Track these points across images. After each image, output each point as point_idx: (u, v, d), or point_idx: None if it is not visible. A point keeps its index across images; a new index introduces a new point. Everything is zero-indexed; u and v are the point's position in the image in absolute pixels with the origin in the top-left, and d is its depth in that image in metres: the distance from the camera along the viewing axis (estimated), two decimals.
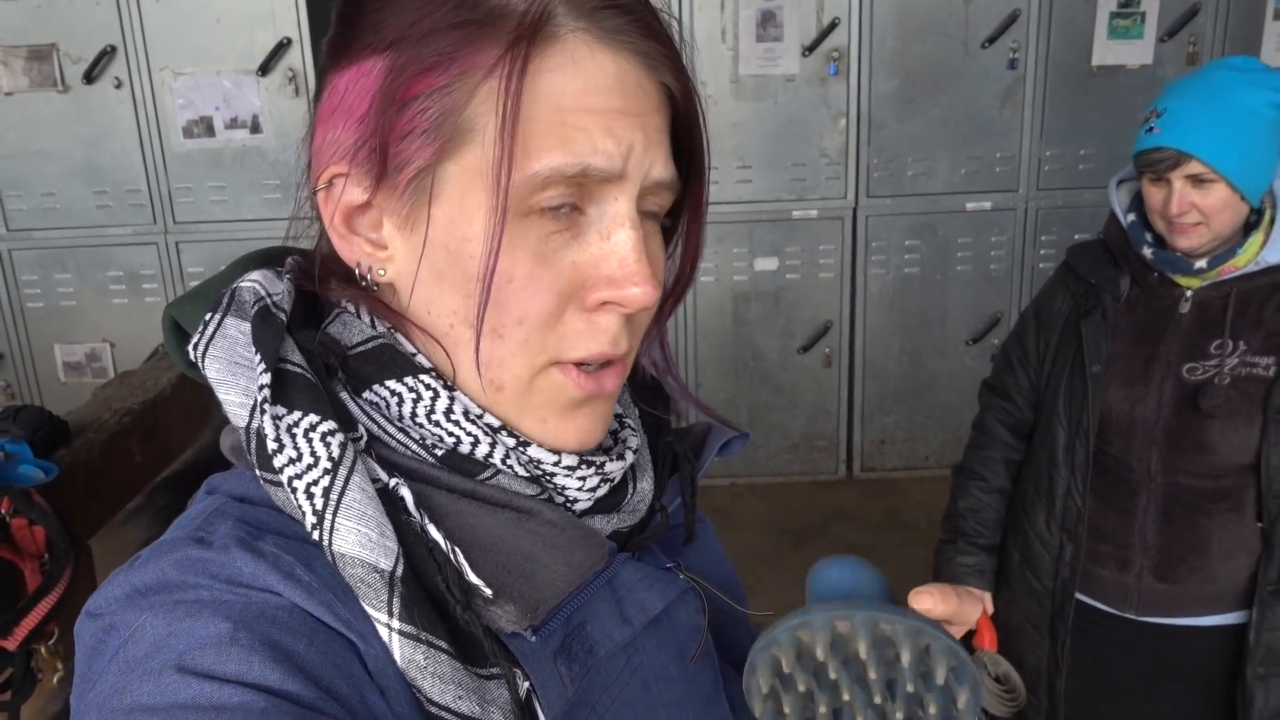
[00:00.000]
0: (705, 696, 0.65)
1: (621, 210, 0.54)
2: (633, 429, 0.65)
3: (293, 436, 0.51)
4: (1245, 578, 1.61)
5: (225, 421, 0.59)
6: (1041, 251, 3.96)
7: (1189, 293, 1.59)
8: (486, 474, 0.56)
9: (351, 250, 0.56)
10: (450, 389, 0.56)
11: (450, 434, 0.55)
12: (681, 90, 0.56)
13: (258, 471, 0.52)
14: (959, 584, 1.82)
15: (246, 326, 0.54)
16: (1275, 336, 1.55)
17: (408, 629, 0.49)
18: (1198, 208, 1.49)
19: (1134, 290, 1.65)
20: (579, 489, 0.58)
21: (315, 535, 0.50)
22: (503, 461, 0.56)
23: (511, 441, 0.56)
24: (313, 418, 0.52)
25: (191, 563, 0.50)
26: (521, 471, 0.56)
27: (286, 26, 3.56)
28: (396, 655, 0.49)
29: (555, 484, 0.57)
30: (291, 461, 0.51)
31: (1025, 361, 1.80)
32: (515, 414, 0.57)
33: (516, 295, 0.53)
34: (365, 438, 0.55)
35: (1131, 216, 1.62)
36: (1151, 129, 1.51)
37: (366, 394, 0.56)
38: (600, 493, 0.59)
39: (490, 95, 0.51)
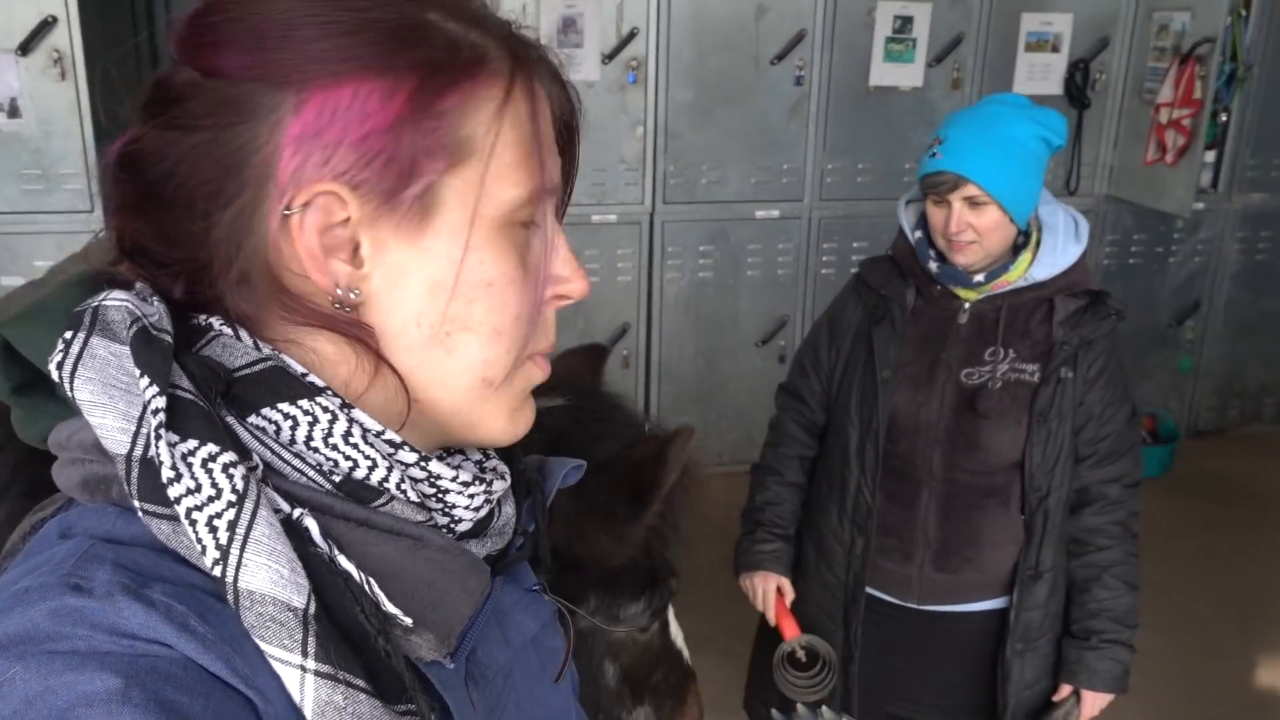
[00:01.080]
0: (562, 713, 0.68)
1: (553, 219, 0.61)
2: (495, 456, 0.67)
3: (190, 466, 0.48)
4: (1010, 566, 1.78)
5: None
6: (824, 258, 4.19)
7: (967, 305, 1.73)
8: (380, 500, 0.56)
9: (328, 272, 0.54)
10: (347, 408, 0.55)
11: (348, 458, 0.54)
12: (569, 110, 0.64)
13: (138, 504, 0.49)
14: (758, 570, 1.91)
15: (118, 349, 0.51)
16: (1039, 346, 1.71)
17: (324, 669, 0.47)
18: (973, 227, 1.63)
19: (919, 301, 1.77)
20: (466, 507, 0.59)
21: (217, 571, 0.47)
22: (397, 486, 0.56)
23: (412, 458, 0.56)
24: (211, 447, 0.49)
25: (69, 612, 0.45)
26: (413, 496, 0.56)
27: (51, 4, 3.29)
28: (309, 699, 0.47)
29: (447, 502, 0.58)
30: (190, 492, 0.48)
31: (818, 367, 1.91)
32: (491, 409, 0.60)
33: (516, 295, 0.58)
34: (260, 467, 0.53)
35: (919, 234, 1.75)
36: (935, 154, 1.65)
37: (253, 419, 0.53)
38: (482, 513, 0.61)
39: (490, 115, 0.56)
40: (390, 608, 0.51)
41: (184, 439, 0.49)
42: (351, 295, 0.55)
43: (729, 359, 4.25)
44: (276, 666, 0.47)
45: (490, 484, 0.61)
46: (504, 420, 0.61)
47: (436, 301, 0.56)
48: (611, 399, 1.17)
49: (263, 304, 0.55)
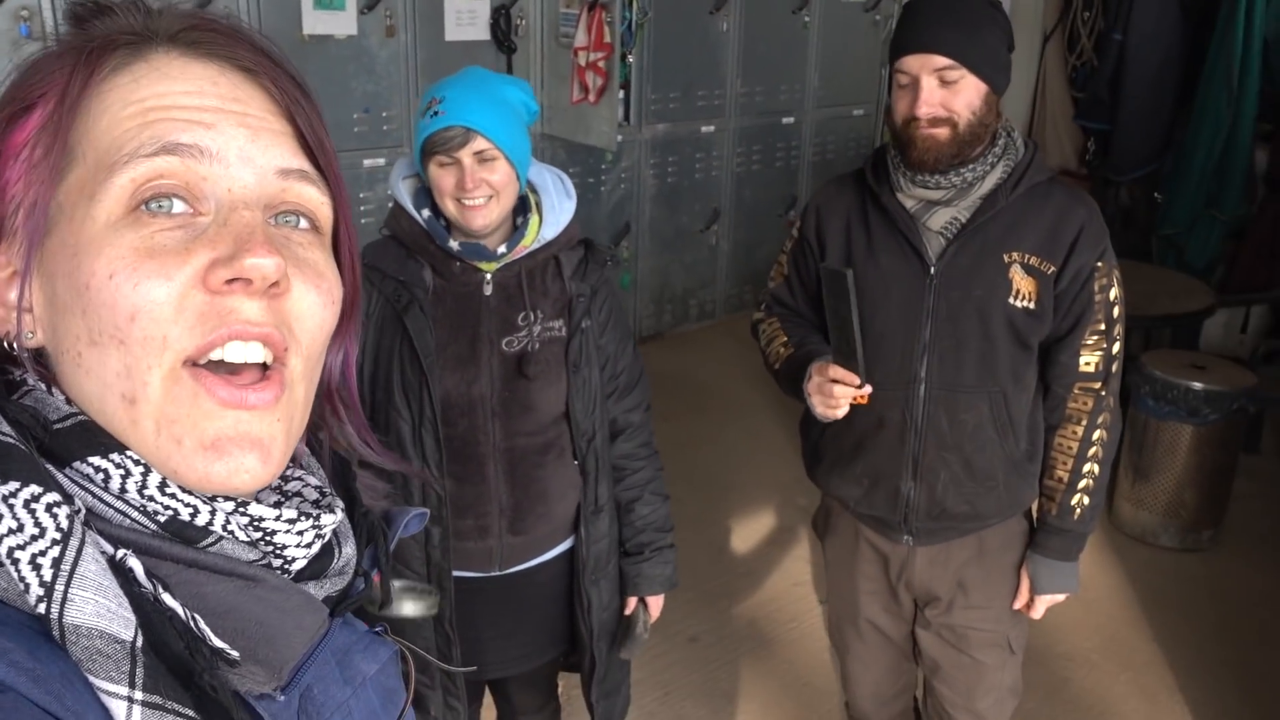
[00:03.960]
0: None
1: (237, 197, 0.55)
2: (333, 494, 0.64)
3: (11, 507, 0.48)
4: (574, 509, 1.87)
5: None
6: None
7: (489, 276, 1.73)
8: (209, 540, 0.55)
9: (3, 321, 0.55)
10: None
11: (167, 506, 0.53)
12: (288, 95, 0.59)
13: None
14: None
15: None
16: (558, 301, 1.78)
17: (153, 699, 0.47)
18: (487, 183, 1.63)
19: (438, 281, 1.73)
20: (297, 545, 0.58)
21: (41, 608, 0.47)
22: (223, 527, 0.55)
23: (229, 505, 0.55)
24: (34, 488, 0.49)
25: None
26: (242, 536, 0.55)
27: None
28: None
29: (275, 544, 0.57)
30: (12, 532, 0.47)
31: None
32: (152, 433, 0.53)
33: (122, 289, 0.52)
34: (83, 511, 0.51)
35: (426, 213, 1.71)
36: (437, 113, 1.61)
37: (69, 471, 0.53)
38: (314, 550, 0.59)
39: (84, 115, 0.54)
40: (217, 642, 0.51)
41: (5, 481, 0.48)
42: (19, 339, 0.54)
43: None
44: (105, 699, 0.47)
45: (318, 518, 0.58)
46: (178, 455, 0.53)
47: (68, 324, 0.53)
48: None
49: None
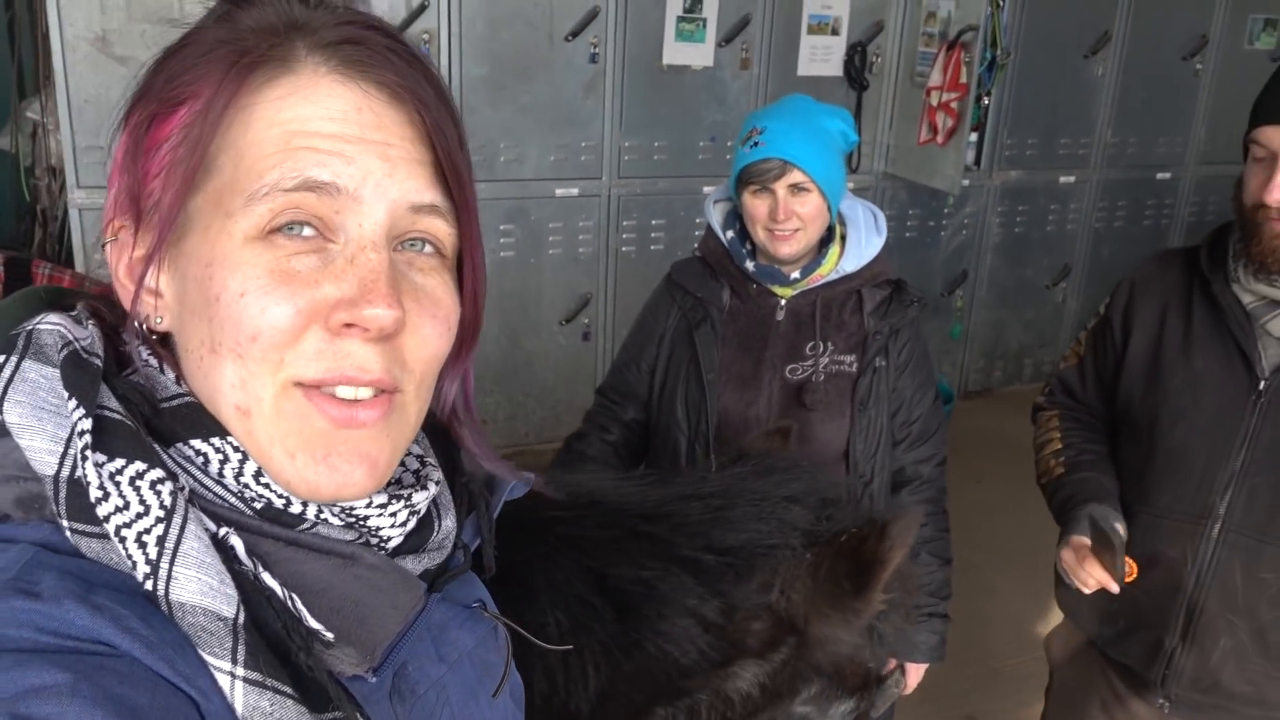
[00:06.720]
0: None
1: (366, 234, 0.56)
2: (433, 464, 0.66)
3: (117, 485, 0.49)
4: None
5: None
6: (624, 235, 4.23)
7: (783, 301, 1.76)
8: (305, 525, 0.56)
9: (134, 302, 0.57)
10: None
11: (261, 495, 0.55)
12: (431, 122, 0.58)
13: (65, 523, 0.49)
14: None
15: (50, 371, 0.52)
16: (854, 337, 1.75)
17: (253, 676, 0.49)
18: (797, 215, 1.66)
19: (735, 301, 1.78)
20: (391, 525, 0.59)
21: (148, 585, 0.49)
22: (317, 515, 0.56)
23: None
24: (139, 465, 0.50)
25: (15, 614, 0.46)
26: (337, 521, 0.57)
27: None
28: (239, 704, 0.48)
29: (369, 526, 0.58)
30: (118, 510, 0.49)
31: (638, 376, 1.85)
32: (266, 445, 0.55)
33: (249, 310, 0.53)
34: (187, 488, 0.53)
35: (730, 234, 1.76)
36: (757, 144, 1.65)
37: (173, 451, 0.54)
38: (409, 526, 0.60)
39: (229, 127, 0.55)
40: (313, 623, 0.53)
41: (111, 458, 0.50)
42: (148, 321, 0.57)
43: (533, 337, 4.22)
44: (213, 672, 0.49)
45: (409, 497, 0.60)
46: (290, 467, 0.55)
47: (195, 325, 0.55)
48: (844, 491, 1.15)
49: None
